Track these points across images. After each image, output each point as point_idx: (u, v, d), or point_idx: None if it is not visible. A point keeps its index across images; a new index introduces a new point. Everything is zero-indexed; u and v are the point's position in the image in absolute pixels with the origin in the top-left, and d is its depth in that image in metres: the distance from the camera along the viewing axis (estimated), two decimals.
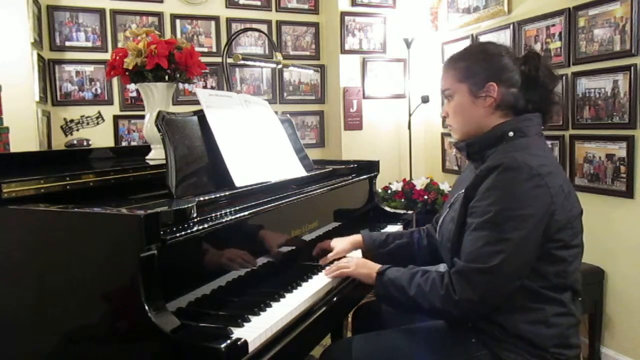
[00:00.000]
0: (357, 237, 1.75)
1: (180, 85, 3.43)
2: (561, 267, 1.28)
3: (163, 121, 1.42)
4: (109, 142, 3.48)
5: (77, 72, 3.43)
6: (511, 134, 1.34)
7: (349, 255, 1.69)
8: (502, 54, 1.39)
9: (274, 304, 1.30)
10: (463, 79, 1.39)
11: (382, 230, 2.13)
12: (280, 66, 2.49)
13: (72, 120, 3.41)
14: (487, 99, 1.36)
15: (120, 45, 3.37)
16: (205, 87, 3.68)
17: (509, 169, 1.24)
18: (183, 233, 1.15)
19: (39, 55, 3.09)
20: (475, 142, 1.39)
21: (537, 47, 2.85)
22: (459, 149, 1.46)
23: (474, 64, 1.38)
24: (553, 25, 2.76)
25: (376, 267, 1.45)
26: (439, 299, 1.27)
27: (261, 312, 1.24)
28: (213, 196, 1.39)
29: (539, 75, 1.37)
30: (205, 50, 3.66)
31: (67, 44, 3.40)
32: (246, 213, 1.38)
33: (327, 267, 1.56)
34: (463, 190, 1.34)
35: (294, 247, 1.64)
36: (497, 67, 1.37)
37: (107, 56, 3.17)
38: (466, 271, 1.24)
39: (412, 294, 1.31)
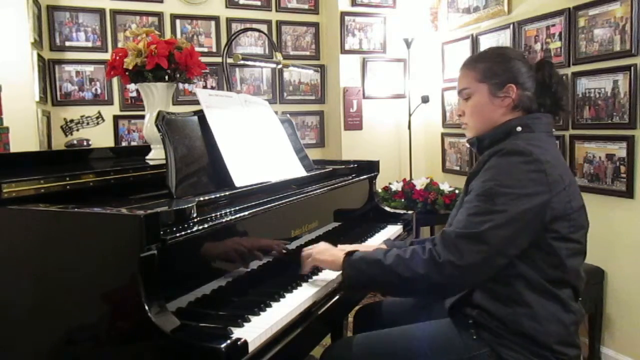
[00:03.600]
0: (381, 245, 1.72)
1: (180, 85, 3.43)
2: (556, 260, 1.29)
3: (163, 121, 1.42)
4: (109, 142, 3.48)
5: (77, 72, 3.43)
6: (519, 128, 1.38)
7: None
8: (520, 59, 1.44)
9: (274, 304, 1.30)
10: (483, 79, 1.43)
11: (382, 231, 2.14)
12: (280, 66, 2.49)
13: (72, 120, 3.41)
14: (506, 100, 1.41)
15: (120, 45, 3.37)
16: (205, 87, 3.68)
17: (509, 153, 1.29)
18: (183, 233, 1.15)
19: (39, 55, 3.09)
20: (485, 137, 1.43)
21: (537, 47, 2.85)
22: (471, 144, 1.49)
23: (495, 66, 1.43)
24: (553, 25, 2.76)
25: (341, 252, 1.45)
26: (422, 263, 1.26)
27: (261, 312, 1.24)
28: (213, 196, 1.39)
29: (552, 83, 1.43)
30: (205, 50, 3.66)
31: (67, 44, 3.40)
32: (246, 213, 1.38)
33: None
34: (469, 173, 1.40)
35: (294, 247, 1.64)
36: (515, 71, 1.41)
37: (107, 56, 3.18)
38: (453, 235, 1.26)
39: (388, 263, 1.30)
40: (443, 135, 3.84)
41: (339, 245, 1.57)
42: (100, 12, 3.44)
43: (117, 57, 1.85)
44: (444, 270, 1.25)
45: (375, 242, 1.95)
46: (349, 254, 1.40)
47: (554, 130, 1.45)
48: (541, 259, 1.29)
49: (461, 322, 1.35)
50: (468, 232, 1.25)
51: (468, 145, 1.57)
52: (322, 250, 1.51)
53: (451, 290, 1.34)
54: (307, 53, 4.01)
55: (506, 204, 1.24)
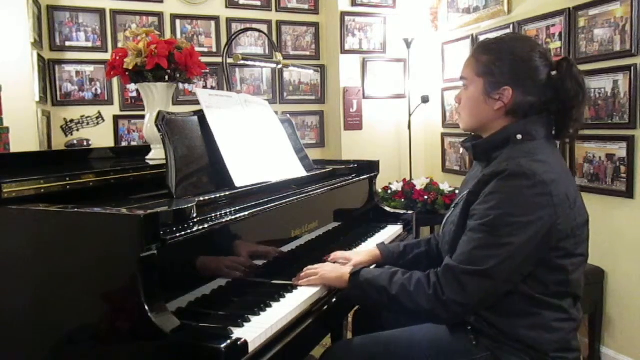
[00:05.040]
0: (374, 251, 1.71)
1: (180, 85, 3.43)
2: (561, 276, 1.26)
3: (163, 121, 1.42)
4: (109, 142, 3.48)
5: (77, 72, 3.43)
6: (519, 136, 1.30)
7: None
8: (533, 59, 1.31)
9: (274, 304, 1.30)
10: (481, 73, 1.35)
11: (382, 231, 2.14)
12: (280, 66, 2.49)
13: (72, 120, 3.41)
14: (498, 102, 1.33)
15: (120, 45, 3.37)
16: (205, 87, 3.68)
17: (513, 176, 1.22)
18: (183, 233, 1.15)
19: (39, 55, 3.09)
20: (481, 144, 1.37)
21: None
22: (466, 148, 1.44)
23: (497, 62, 1.33)
24: (553, 25, 2.76)
25: (347, 269, 1.44)
26: (426, 298, 1.25)
27: (261, 312, 1.24)
28: (213, 196, 1.39)
29: (565, 88, 1.30)
30: (205, 50, 3.66)
31: (67, 44, 3.40)
32: (246, 213, 1.38)
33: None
34: (466, 193, 1.33)
35: (294, 247, 1.64)
36: (519, 73, 1.31)
37: (107, 56, 3.18)
38: (457, 272, 1.23)
39: (394, 293, 1.29)
40: (443, 135, 3.84)
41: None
42: (100, 12, 3.44)
43: (117, 57, 1.85)
44: (448, 308, 1.24)
45: (376, 242, 1.95)
46: (355, 274, 1.39)
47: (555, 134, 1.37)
48: (545, 277, 1.25)
49: (460, 327, 1.33)
50: (473, 269, 1.21)
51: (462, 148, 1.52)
52: (330, 269, 1.48)
53: (454, 321, 1.32)
54: (307, 53, 4.01)
55: (511, 235, 1.19)
